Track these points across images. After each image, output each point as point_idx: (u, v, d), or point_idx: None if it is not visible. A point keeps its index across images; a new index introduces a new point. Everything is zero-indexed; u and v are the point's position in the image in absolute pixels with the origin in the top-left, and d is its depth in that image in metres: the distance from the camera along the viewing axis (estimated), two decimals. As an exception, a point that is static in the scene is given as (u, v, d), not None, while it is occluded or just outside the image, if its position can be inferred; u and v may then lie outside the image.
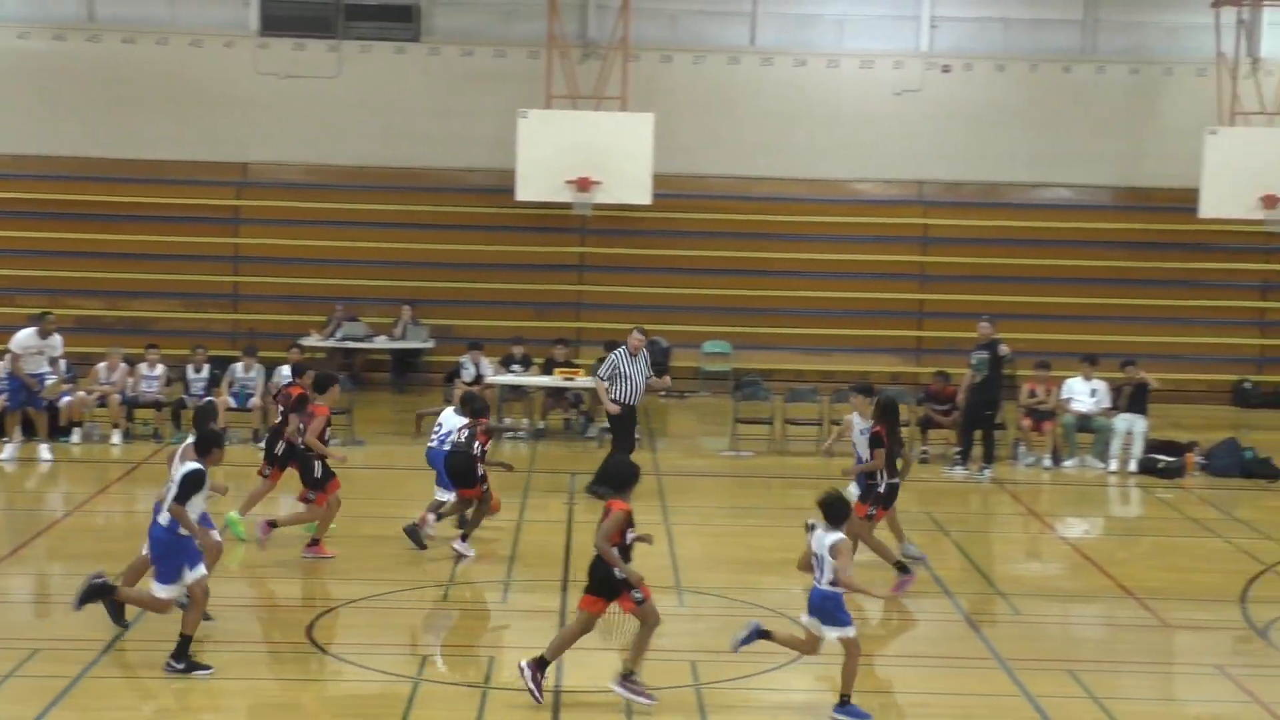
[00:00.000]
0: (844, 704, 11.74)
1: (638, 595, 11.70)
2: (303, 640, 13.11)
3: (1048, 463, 21.47)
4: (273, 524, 15.63)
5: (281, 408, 16.52)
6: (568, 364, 22.87)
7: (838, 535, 11.60)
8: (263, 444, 17.37)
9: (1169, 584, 15.92)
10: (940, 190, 27.96)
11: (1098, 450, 21.50)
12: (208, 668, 12.06)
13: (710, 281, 27.46)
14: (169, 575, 12.13)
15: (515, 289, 27.46)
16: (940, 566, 15.89)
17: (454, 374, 23.11)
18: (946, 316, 26.71)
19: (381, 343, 26.25)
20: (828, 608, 11.66)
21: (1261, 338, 27.73)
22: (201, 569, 12.25)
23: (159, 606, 12.26)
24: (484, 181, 27.08)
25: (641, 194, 24.45)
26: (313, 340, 25.41)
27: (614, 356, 19.00)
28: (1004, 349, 21.50)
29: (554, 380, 22.43)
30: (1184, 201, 25.22)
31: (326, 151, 27.81)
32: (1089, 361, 21.88)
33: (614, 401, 18.75)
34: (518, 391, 23.12)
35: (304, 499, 15.86)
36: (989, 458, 20.65)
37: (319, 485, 15.70)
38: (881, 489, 15.01)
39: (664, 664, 12.71)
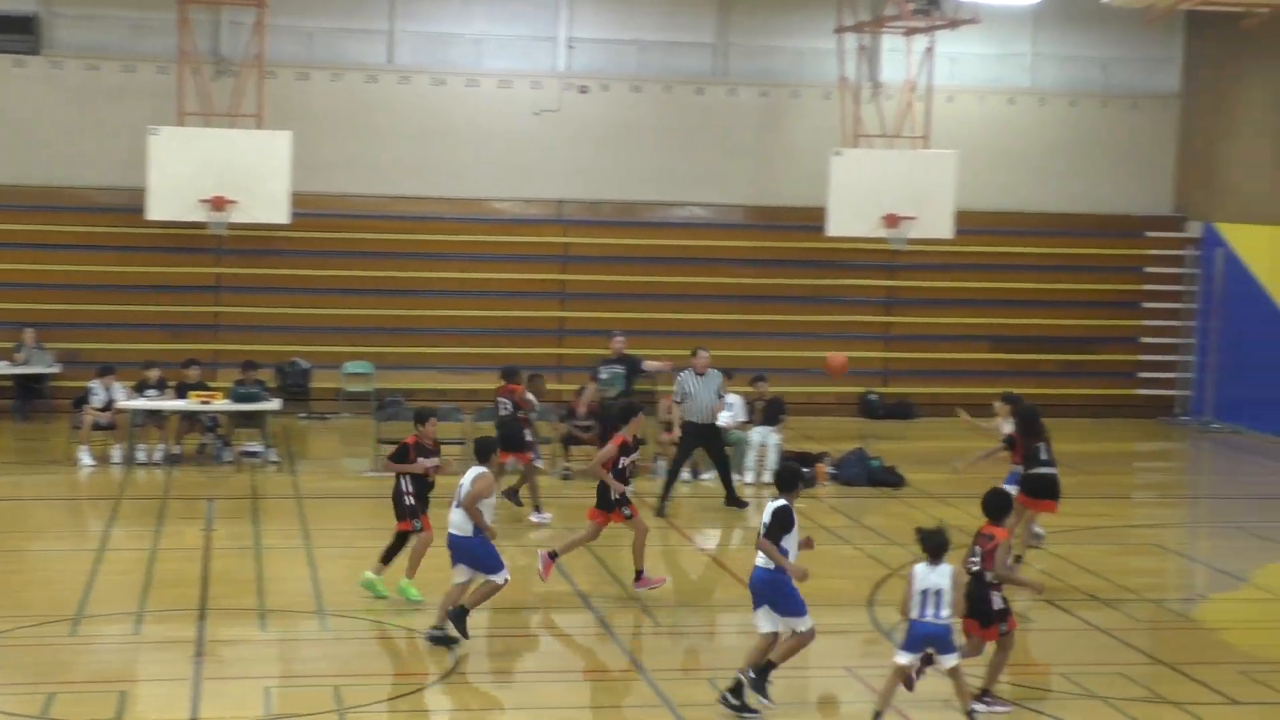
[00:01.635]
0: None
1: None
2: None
3: (686, 475, 21.87)
4: None
5: None
6: (201, 386, 22.32)
7: (951, 567, 11.83)
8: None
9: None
10: (579, 209, 28.28)
11: (735, 463, 22.00)
12: None
13: (351, 301, 27.18)
14: None
15: (148, 310, 26.63)
16: (581, 580, 16.05)
17: (82, 400, 22.28)
18: (586, 334, 27.02)
19: (3, 368, 25.15)
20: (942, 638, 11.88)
21: (885, 351, 28.86)
22: None
23: None
24: (114, 200, 26.20)
25: (279, 213, 24.04)
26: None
27: (682, 378, 20.10)
28: (652, 365, 21.91)
29: (189, 404, 21.87)
30: (812, 220, 26.09)
31: (-59, 169, 26.51)
32: (724, 376, 22.37)
33: (683, 422, 19.92)
34: (155, 416, 22.42)
35: None
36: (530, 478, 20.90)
37: None
38: None
39: (306, 690, 12.51)
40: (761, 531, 12.50)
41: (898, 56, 26.83)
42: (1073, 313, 28.79)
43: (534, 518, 18.87)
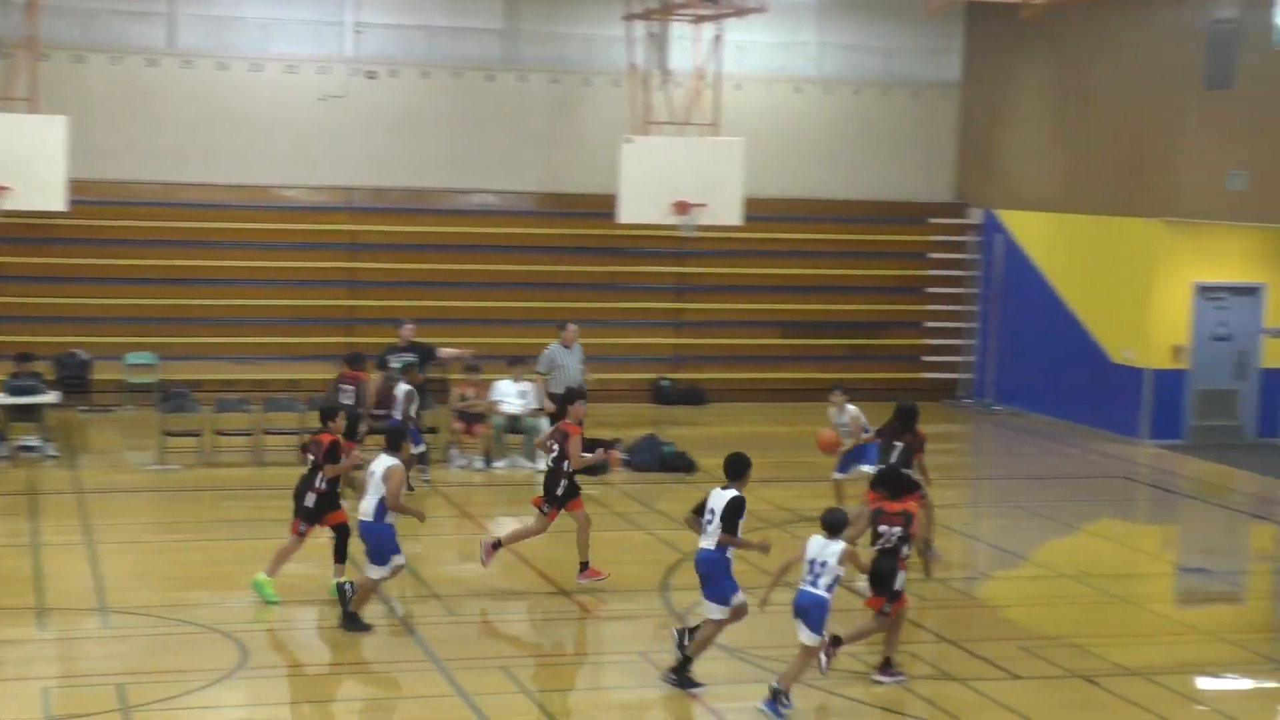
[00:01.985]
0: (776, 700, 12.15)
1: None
2: None
3: (480, 464, 21.82)
4: None
5: None
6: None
7: (843, 544, 12.21)
8: None
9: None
10: (368, 196, 27.94)
11: (527, 450, 21.99)
12: None
13: (133, 291, 26.51)
14: None
15: (-81, 301, 25.73)
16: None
17: None
18: (377, 323, 26.68)
19: None
20: (814, 612, 12.15)
21: (676, 337, 29.03)
22: None
23: None
24: (-120, 187, 25.21)
25: (55, 200, 23.34)
26: None
27: (551, 351, 20.58)
28: (448, 352, 21.80)
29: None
30: (603, 207, 26.13)
31: None
32: (516, 363, 22.37)
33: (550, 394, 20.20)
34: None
35: None
36: (424, 460, 20.79)
37: None
38: None
39: (88, 690, 12.19)
40: (708, 519, 12.77)
41: (686, 44, 26.97)
42: (859, 298, 29.28)
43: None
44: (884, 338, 29.61)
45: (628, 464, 22.01)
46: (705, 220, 25.26)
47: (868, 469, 16.86)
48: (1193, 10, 24.47)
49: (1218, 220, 24.28)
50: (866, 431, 17.93)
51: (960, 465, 25.65)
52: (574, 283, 28.19)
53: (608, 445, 22.06)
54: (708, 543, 12.80)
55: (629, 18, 26.17)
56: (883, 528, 13.13)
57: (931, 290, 29.76)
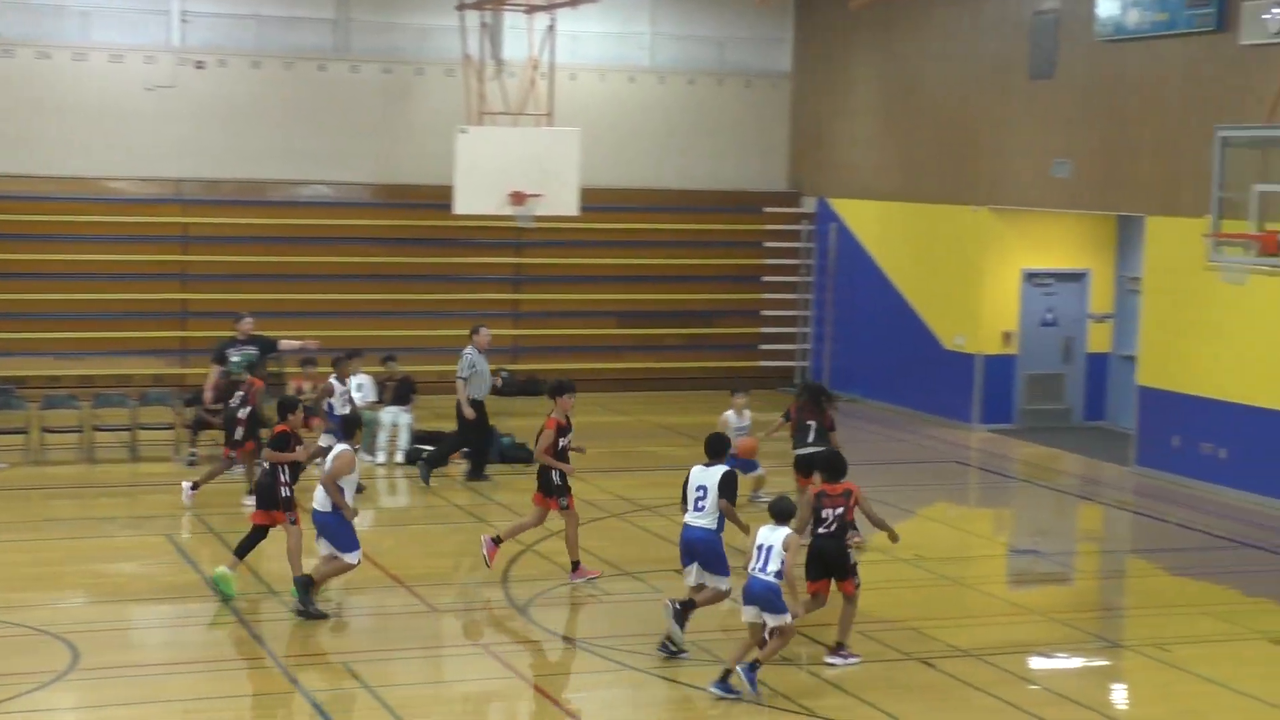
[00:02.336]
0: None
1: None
2: None
3: (367, 458, 21.56)
4: None
5: None
6: None
7: (789, 530, 12.47)
8: None
9: (436, 570, 16.40)
10: (199, 188, 27.48)
11: (365, 444, 21.79)
12: None
13: (-45, 286, 25.86)
14: None
15: None
16: (210, 569, 15.64)
17: None
18: (211, 316, 26.28)
19: None
20: (771, 597, 12.36)
21: (514, 328, 28.97)
22: None
23: None
24: None
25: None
26: None
27: (469, 355, 20.57)
28: (289, 343, 21.52)
29: None
30: (439, 198, 25.91)
31: None
32: (354, 356, 22.15)
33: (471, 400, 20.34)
34: None
35: None
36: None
37: None
38: None
39: (-88, 696, 11.86)
40: (699, 496, 13.42)
41: (520, 34, 26.87)
42: (696, 287, 29.45)
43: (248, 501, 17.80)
44: (721, 326, 29.82)
45: (466, 455, 21.91)
46: (542, 211, 25.20)
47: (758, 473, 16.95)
48: (1017, 1, 24.94)
49: (1043, 208, 24.78)
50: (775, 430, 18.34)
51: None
52: (411, 274, 28.00)
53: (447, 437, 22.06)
54: (705, 521, 13.40)
55: (462, 7, 26.02)
56: (825, 511, 13.38)
57: (768, 279, 30.03)
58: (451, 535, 17.99)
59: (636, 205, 29.22)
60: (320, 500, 14.22)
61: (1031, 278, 25.85)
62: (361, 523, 19.18)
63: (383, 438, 21.86)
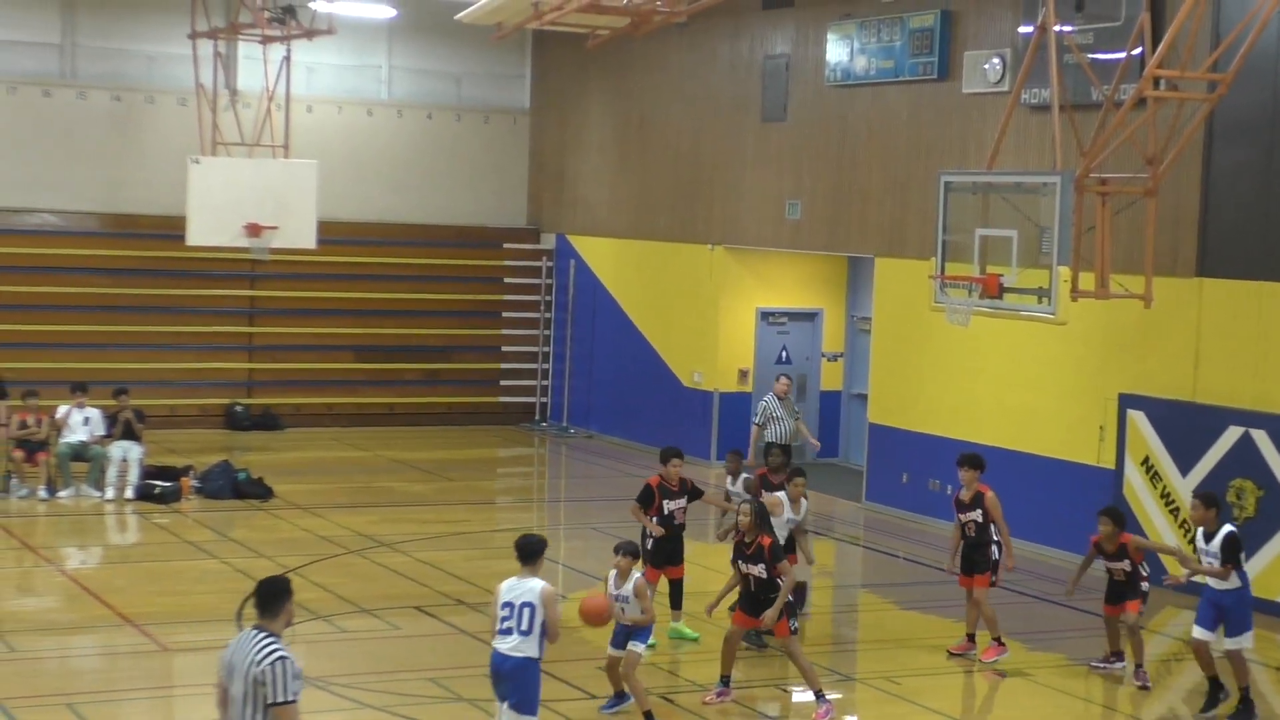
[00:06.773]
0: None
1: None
2: None
3: (43, 494, 20.95)
4: None
5: None
6: None
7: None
8: None
9: (167, 608, 16.01)
10: (-84, 215, 26.51)
11: (93, 478, 21.24)
12: None
13: None
14: None
15: None
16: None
17: None
18: (-73, 348, 25.36)
19: None
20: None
21: (250, 362, 28.50)
22: None
23: None
24: None
25: None
26: None
27: (766, 402, 20.56)
28: None
29: None
30: (171, 229, 25.37)
31: None
32: (80, 389, 21.57)
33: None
34: None
35: None
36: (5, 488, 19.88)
37: None
38: None
39: None
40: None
41: (255, 65, 26.52)
42: (435, 322, 29.35)
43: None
44: (460, 361, 29.76)
45: (200, 491, 21.48)
46: (278, 243, 24.86)
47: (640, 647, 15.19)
48: (750, 45, 25.49)
49: (776, 248, 25.32)
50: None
51: (537, 488, 26.06)
52: (141, 306, 27.35)
53: (180, 472, 21.63)
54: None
55: (194, 36, 25.59)
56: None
57: (508, 315, 30.08)
58: (184, 572, 17.59)
59: (374, 239, 29.02)
60: None
61: (766, 316, 26.39)
62: (87, 560, 18.74)
63: (112, 473, 21.30)
